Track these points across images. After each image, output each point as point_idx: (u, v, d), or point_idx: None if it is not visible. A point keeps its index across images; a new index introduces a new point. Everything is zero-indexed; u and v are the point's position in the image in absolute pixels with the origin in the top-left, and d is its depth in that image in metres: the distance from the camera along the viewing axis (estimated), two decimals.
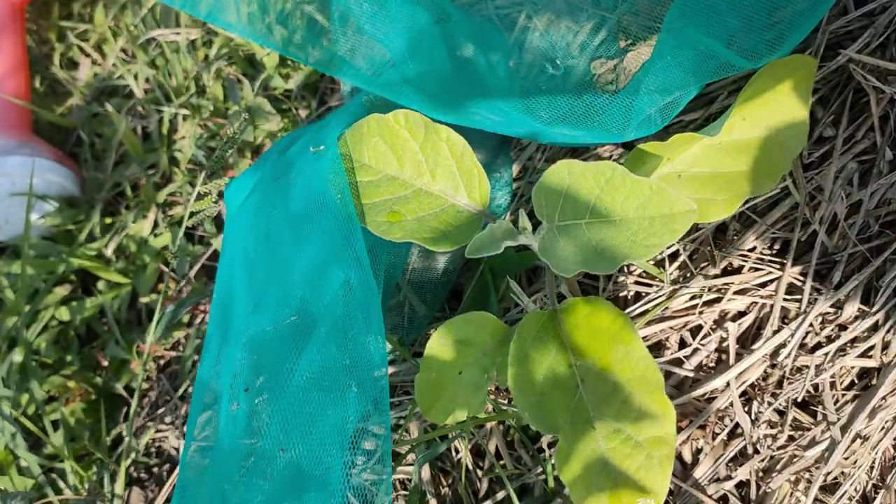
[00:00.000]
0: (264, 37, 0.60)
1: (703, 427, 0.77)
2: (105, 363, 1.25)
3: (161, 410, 1.19)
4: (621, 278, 0.82)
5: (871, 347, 0.71)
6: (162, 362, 1.25)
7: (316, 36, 0.63)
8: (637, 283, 0.81)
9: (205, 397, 0.78)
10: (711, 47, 0.61)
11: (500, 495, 0.82)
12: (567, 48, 0.81)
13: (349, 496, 0.69)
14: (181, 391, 1.17)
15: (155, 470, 1.17)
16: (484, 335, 0.72)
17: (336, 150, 0.70)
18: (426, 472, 0.86)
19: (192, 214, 0.93)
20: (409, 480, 0.87)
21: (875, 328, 0.71)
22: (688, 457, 0.77)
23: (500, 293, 0.89)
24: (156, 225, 1.31)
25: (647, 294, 0.80)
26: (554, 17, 0.82)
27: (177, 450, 1.16)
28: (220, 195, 1.09)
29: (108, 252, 1.29)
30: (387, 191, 0.69)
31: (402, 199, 0.69)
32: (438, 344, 0.72)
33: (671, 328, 0.78)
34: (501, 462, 0.84)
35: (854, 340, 0.72)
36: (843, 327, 0.73)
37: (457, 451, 0.87)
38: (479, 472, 0.85)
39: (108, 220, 1.32)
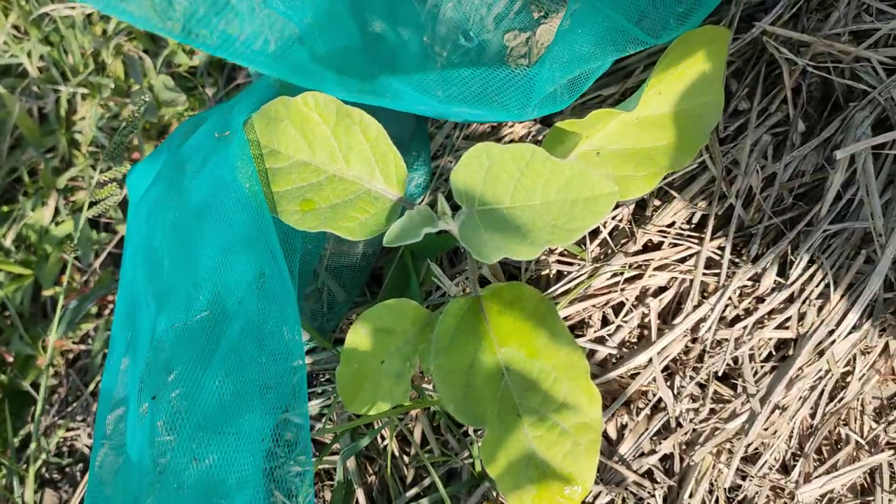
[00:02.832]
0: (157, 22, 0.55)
1: (627, 404, 0.77)
2: (10, 359, 1.18)
3: (71, 408, 1.14)
4: (543, 258, 0.81)
5: (788, 319, 0.72)
6: (71, 356, 1.19)
7: (213, 15, 0.59)
8: (559, 262, 0.80)
9: (112, 400, 0.74)
10: (619, 23, 0.59)
11: (428, 481, 0.80)
12: (481, 21, 0.78)
13: (274, 491, 0.67)
14: (92, 387, 1.12)
15: (68, 470, 1.11)
16: (405, 323, 0.70)
17: (242, 135, 0.67)
18: (351, 461, 0.84)
19: (93, 204, 0.88)
20: (335, 470, 0.85)
21: (791, 300, 0.73)
22: (613, 433, 0.78)
23: (422, 276, 0.87)
24: (57, 212, 1.24)
25: (569, 273, 0.79)
26: None
27: (89, 448, 1.11)
28: (124, 181, 1.03)
29: (7, 242, 1.22)
30: (298, 178, 0.66)
31: (314, 186, 0.66)
32: (358, 334, 0.70)
33: (594, 306, 0.78)
34: (428, 448, 0.82)
35: (771, 312, 0.73)
36: (760, 300, 0.74)
37: (382, 439, 0.85)
38: (406, 459, 0.84)
39: (5, 209, 1.24)
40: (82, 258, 1.17)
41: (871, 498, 0.70)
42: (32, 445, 1.04)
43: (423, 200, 0.91)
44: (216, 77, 1.22)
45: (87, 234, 1.18)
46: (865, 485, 0.71)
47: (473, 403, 0.59)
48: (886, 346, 0.70)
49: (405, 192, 0.66)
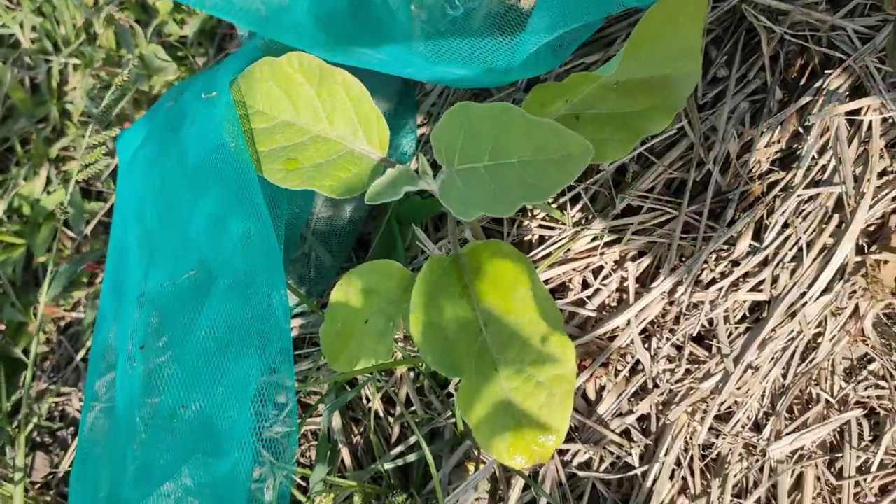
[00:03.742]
0: None
1: (605, 365, 0.79)
2: (2, 327, 1.20)
3: (63, 374, 1.16)
4: (525, 222, 0.82)
5: (762, 282, 0.74)
6: (62, 324, 1.20)
7: None
8: (541, 226, 0.82)
9: (103, 359, 0.75)
10: None
11: (412, 440, 0.82)
12: None
13: (260, 449, 0.68)
14: (83, 353, 1.14)
15: (59, 434, 1.13)
16: (389, 283, 0.72)
17: (229, 96, 0.68)
18: (337, 421, 0.86)
19: (83, 167, 0.89)
20: (321, 430, 0.87)
21: (765, 263, 0.74)
22: (592, 394, 0.79)
23: (407, 241, 0.89)
24: (49, 182, 1.25)
25: (551, 237, 0.80)
26: None
27: (80, 412, 1.13)
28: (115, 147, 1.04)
29: None
30: (283, 137, 0.67)
31: (298, 145, 0.67)
32: (343, 293, 0.71)
33: (574, 270, 0.80)
34: (412, 409, 0.84)
35: (746, 275, 0.75)
36: (735, 263, 0.75)
37: (367, 400, 0.87)
38: (391, 419, 0.86)
39: None
40: (73, 226, 1.19)
41: (840, 454, 0.72)
42: (24, 408, 1.05)
43: (410, 165, 0.92)
44: (206, 46, 1.22)
45: (78, 203, 1.19)
46: (835, 442, 0.73)
47: (452, 356, 0.61)
48: (856, 308, 0.72)
49: (387, 153, 0.67)
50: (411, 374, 0.85)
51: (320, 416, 0.88)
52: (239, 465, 0.68)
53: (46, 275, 1.22)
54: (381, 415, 0.86)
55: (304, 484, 0.87)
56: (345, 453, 0.85)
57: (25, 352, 1.17)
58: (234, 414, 0.68)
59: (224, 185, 0.66)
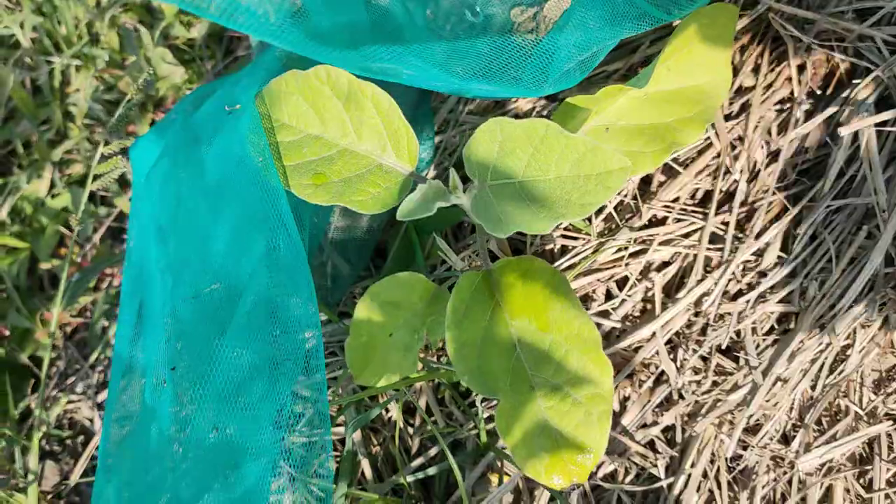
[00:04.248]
0: None
1: (630, 376, 0.78)
2: (6, 333, 1.18)
3: (71, 380, 1.14)
4: (548, 233, 0.81)
5: (791, 293, 0.74)
6: (69, 329, 1.19)
7: None
8: (564, 236, 0.81)
9: (123, 371, 0.74)
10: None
11: (433, 451, 0.82)
12: None
13: (282, 464, 0.68)
14: (92, 359, 1.12)
15: (69, 442, 1.12)
16: (413, 296, 0.71)
17: (254, 109, 0.67)
18: (357, 433, 0.85)
19: (96, 177, 0.88)
20: (340, 442, 0.86)
21: (793, 274, 0.74)
22: (616, 405, 0.79)
23: (426, 250, 0.88)
24: (52, 185, 1.23)
25: (574, 248, 0.80)
26: None
27: (90, 420, 1.11)
28: (124, 153, 1.03)
29: (2, 215, 1.21)
30: (310, 151, 0.66)
31: (326, 159, 0.66)
32: (367, 307, 0.70)
33: (598, 280, 0.79)
34: (433, 419, 0.83)
35: (774, 287, 0.74)
36: (763, 274, 0.75)
37: (387, 410, 0.86)
38: (411, 430, 0.85)
39: (0, 181, 1.24)
40: (80, 231, 1.17)
41: (870, 467, 0.71)
42: (34, 416, 1.04)
43: (427, 175, 0.91)
44: (214, 49, 1.21)
45: (85, 208, 1.17)
46: (864, 454, 0.72)
47: (487, 375, 0.60)
48: (886, 319, 0.71)
49: (416, 167, 0.66)
50: (431, 384, 0.84)
51: (339, 426, 0.87)
52: (264, 479, 0.67)
53: (51, 280, 1.21)
54: (402, 426, 0.85)
55: (324, 495, 0.86)
56: (365, 465, 0.84)
57: (32, 358, 1.15)
58: (263, 429, 0.67)
59: (249, 199, 0.65)
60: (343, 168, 0.66)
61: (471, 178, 0.63)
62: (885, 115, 0.71)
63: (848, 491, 0.71)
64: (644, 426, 0.77)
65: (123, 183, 1.19)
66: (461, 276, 0.63)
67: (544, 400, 0.59)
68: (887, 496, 0.70)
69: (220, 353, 0.66)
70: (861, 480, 0.72)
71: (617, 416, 0.78)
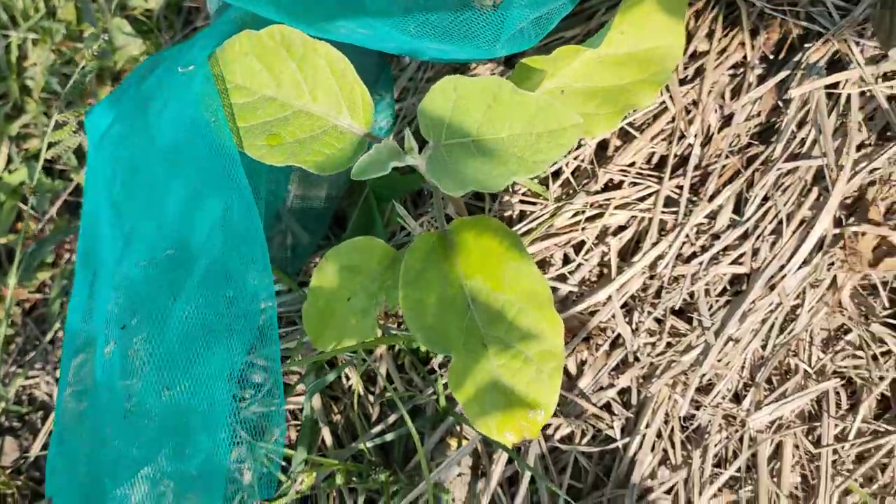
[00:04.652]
0: None
1: (587, 339, 0.79)
2: None
3: (30, 356, 1.13)
4: (506, 198, 0.82)
5: (742, 255, 0.75)
6: (27, 306, 1.17)
7: None
8: (522, 201, 0.81)
9: (78, 338, 0.73)
10: None
11: (393, 417, 0.82)
12: None
13: (238, 430, 0.68)
14: (50, 335, 1.11)
15: (28, 418, 1.11)
16: (371, 261, 0.71)
17: (207, 69, 0.66)
18: (316, 400, 0.85)
19: (50, 145, 0.86)
20: (300, 410, 0.86)
21: (745, 236, 0.75)
22: (573, 369, 0.80)
23: (386, 218, 0.88)
24: (10, 160, 1.21)
25: (532, 212, 0.80)
26: None
27: (49, 396, 1.10)
28: (81, 125, 1.01)
29: None
30: (264, 113, 0.66)
31: (281, 120, 0.66)
32: (325, 272, 0.70)
33: (555, 245, 0.80)
34: (393, 386, 0.84)
35: (726, 249, 0.76)
36: (716, 236, 0.76)
37: (347, 378, 0.86)
38: (371, 397, 0.85)
39: None
40: (37, 205, 1.15)
41: (818, 423, 0.73)
42: None
43: (388, 140, 0.91)
44: (173, 20, 1.19)
45: (42, 181, 1.15)
46: (813, 411, 0.74)
47: (440, 333, 0.60)
48: (834, 279, 0.73)
49: (371, 129, 0.66)
50: (391, 351, 0.84)
51: (299, 395, 0.87)
52: (219, 446, 0.67)
53: (9, 255, 1.19)
54: (362, 393, 0.85)
55: (285, 464, 0.86)
56: (325, 432, 0.84)
57: None
58: (215, 395, 0.67)
59: (203, 161, 0.65)
60: (298, 129, 0.65)
61: (426, 137, 0.63)
62: (835, 77, 0.72)
63: (797, 447, 0.73)
64: (600, 389, 0.78)
65: (81, 157, 1.17)
66: (416, 237, 0.64)
67: (497, 357, 0.60)
68: (835, 451, 0.72)
69: (173, 318, 0.65)
70: (810, 437, 0.73)
71: (574, 380, 0.79)
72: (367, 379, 0.86)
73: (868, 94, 0.73)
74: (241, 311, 0.66)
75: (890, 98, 0.73)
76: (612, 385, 0.78)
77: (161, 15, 1.19)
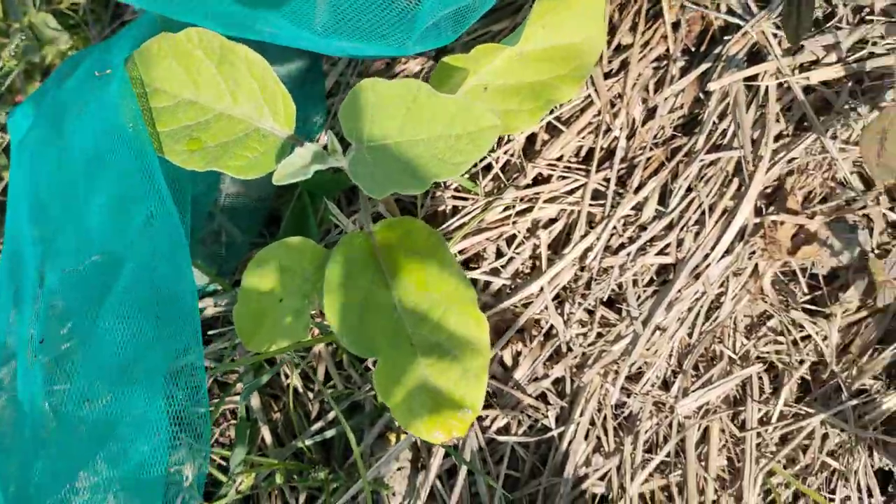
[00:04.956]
0: None
1: (521, 331, 0.80)
2: None
3: None
4: (438, 193, 0.82)
5: (668, 245, 0.76)
6: None
7: None
8: (454, 197, 0.82)
9: (3, 348, 0.72)
10: None
11: (332, 415, 0.82)
12: None
13: (173, 433, 0.67)
14: None
15: None
16: (303, 261, 0.71)
17: (124, 73, 0.65)
18: (255, 399, 0.85)
19: None
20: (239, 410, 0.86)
21: (670, 227, 0.76)
22: (508, 360, 0.81)
23: (320, 215, 0.87)
24: None
25: (464, 207, 0.81)
26: None
27: None
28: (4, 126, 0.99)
29: None
30: (185, 116, 0.65)
31: (202, 124, 0.65)
32: (256, 273, 0.70)
33: (488, 239, 0.80)
34: (331, 383, 0.84)
35: (653, 240, 0.77)
36: (643, 228, 0.77)
37: (286, 376, 0.86)
38: (310, 395, 0.85)
39: None
40: None
41: (743, 408, 0.75)
42: None
43: (320, 139, 0.90)
44: (100, 13, 1.17)
45: None
46: (738, 396, 0.76)
47: (367, 336, 0.61)
48: (756, 267, 0.75)
49: (295, 130, 0.66)
50: (330, 348, 0.84)
51: (238, 394, 0.87)
52: (155, 451, 0.66)
53: None
54: (301, 390, 0.85)
55: (224, 464, 0.86)
56: (265, 431, 0.84)
57: None
58: (147, 399, 0.66)
59: (123, 167, 0.64)
60: (219, 133, 0.65)
61: (348, 139, 0.63)
62: (753, 70, 0.74)
63: (723, 431, 0.75)
64: (535, 379, 0.80)
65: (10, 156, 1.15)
66: (341, 240, 0.64)
67: (424, 357, 0.60)
68: (759, 434, 0.74)
69: (98, 326, 0.65)
70: (735, 421, 0.76)
71: (510, 371, 0.80)
72: (305, 376, 0.86)
73: (785, 85, 0.74)
74: (168, 313, 0.66)
75: (806, 89, 0.75)
76: (546, 375, 0.79)
77: (88, 8, 1.16)
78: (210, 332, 0.89)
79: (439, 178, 0.58)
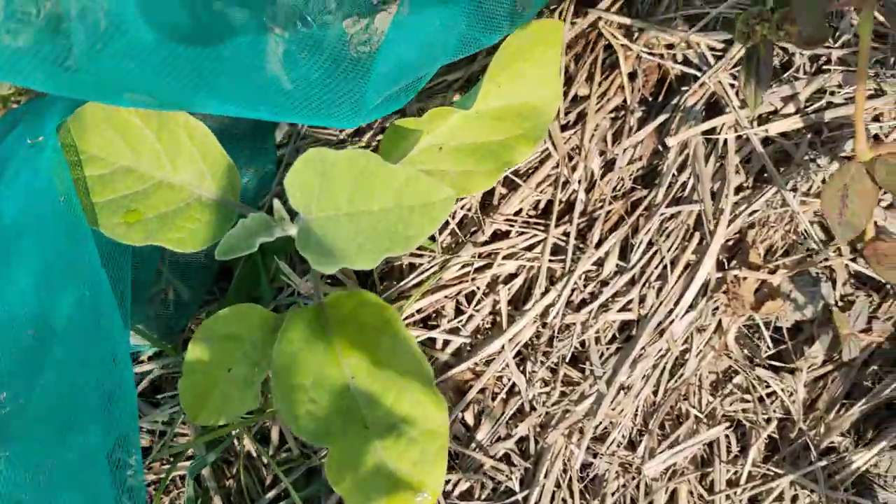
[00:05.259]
0: None
1: (483, 391, 0.78)
2: None
3: None
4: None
5: (630, 301, 0.74)
6: None
7: None
8: (411, 254, 0.79)
9: None
10: (452, 22, 0.58)
11: (289, 480, 0.79)
12: (321, 4, 0.75)
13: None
14: None
15: None
16: (252, 328, 0.68)
17: (56, 141, 0.61)
18: (207, 466, 0.81)
19: None
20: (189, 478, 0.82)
21: (632, 282, 0.75)
22: (470, 420, 0.78)
23: (272, 272, 0.84)
24: None
25: (421, 265, 0.78)
26: None
27: None
28: None
29: None
30: (122, 185, 0.62)
31: (140, 194, 0.61)
32: (202, 344, 0.67)
33: (446, 297, 0.78)
34: (286, 447, 0.81)
35: (615, 296, 0.75)
36: (604, 283, 0.75)
37: (240, 440, 0.83)
38: (265, 459, 0.82)
39: None
40: None
41: (711, 468, 0.74)
42: None
43: (272, 192, 0.87)
44: None
45: None
46: (705, 456, 0.75)
47: (317, 419, 0.57)
48: (720, 323, 0.73)
49: (247, 188, 0.63)
50: None
51: (190, 458, 0.83)
52: None
53: None
54: (255, 455, 0.82)
55: None
56: (216, 501, 0.81)
57: None
58: (92, 472, 0.63)
59: (55, 241, 0.60)
60: (159, 202, 0.61)
61: (295, 209, 0.60)
62: (711, 123, 0.72)
63: (692, 493, 0.73)
64: (498, 439, 0.77)
65: None
66: (289, 313, 0.61)
67: (380, 440, 0.57)
68: (728, 497, 0.72)
69: (32, 402, 0.61)
70: (703, 483, 0.74)
71: (472, 431, 0.78)
72: (260, 439, 0.83)
73: (744, 136, 0.73)
74: (107, 390, 0.63)
75: (765, 141, 0.74)
76: (509, 435, 0.77)
77: None
78: (158, 396, 0.86)
79: (391, 253, 0.56)
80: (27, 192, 0.63)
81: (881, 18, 0.72)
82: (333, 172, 0.57)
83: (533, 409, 0.77)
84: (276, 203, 0.61)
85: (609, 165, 0.77)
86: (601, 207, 0.76)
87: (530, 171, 0.78)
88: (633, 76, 0.77)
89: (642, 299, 0.74)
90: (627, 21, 0.75)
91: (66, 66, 0.51)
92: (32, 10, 0.53)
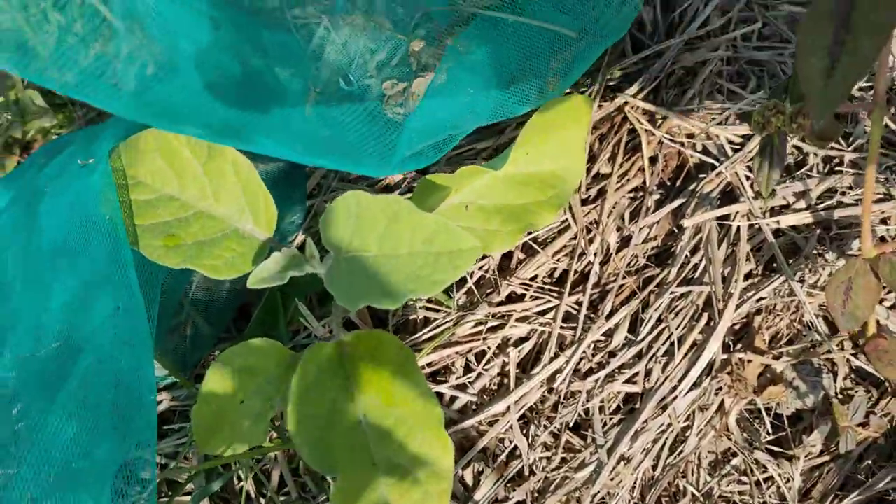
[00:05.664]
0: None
1: (484, 450, 0.79)
2: None
3: None
4: (411, 303, 0.82)
5: (636, 374, 0.76)
6: None
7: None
8: (426, 308, 0.82)
9: None
10: (486, 92, 0.62)
11: None
12: (364, 66, 0.80)
13: None
14: None
15: None
16: (268, 363, 0.70)
17: (107, 165, 0.65)
18: (205, 502, 0.82)
19: None
20: None
21: (640, 356, 0.77)
22: (469, 479, 0.79)
23: (290, 314, 0.87)
24: None
25: (436, 320, 0.80)
26: (352, 33, 0.81)
27: None
28: None
29: None
30: (165, 212, 0.65)
31: (182, 221, 0.65)
32: (219, 374, 0.68)
33: (457, 353, 0.80)
34: (286, 490, 0.81)
35: (621, 367, 0.77)
36: (612, 354, 0.78)
37: (240, 479, 0.83)
38: (263, 501, 0.82)
39: None
40: None
41: None
42: None
43: (296, 238, 0.90)
44: None
45: None
46: None
47: (328, 450, 0.59)
48: (722, 403, 0.75)
49: (274, 233, 0.66)
50: (287, 452, 0.82)
51: (188, 493, 0.83)
52: None
53: None
54: (253, 496, 0.82)
55: None
56: None
57: None
58: (97, 494, 0.64)
59: (96, 258, 0.63)
60: (199, 231, 0.65)
61: (327, 248, 0.63)
62: (725, 210, 0.76)
63: None
64: (496, 501, 0.78)
65: None
66: (310, 347, 0.63)
67: (385, 477, 0.59)
68: None
69: (52, 414, 0.62)
70: None
71: (470, 491, 0.79)
72: (259, 480, 0.84)
73: (756, 226, 0.76)
74: (126, 409, 0.64)
75: (776, 232, 0.77)
76: (507, 498, 0.78)
77: None
78: (165, 427, 0.87)
79: (415, 296, 0.58)
80: (73, 208, 0.66)
81: (894, 126, 0.76)
82: (367, 215, 0.60)
83: (533, 473, 0.78)
84: (309, 240, 0.64)
85: (625, 242, 0.80)
86: (614, 281, 0.79)
87: (549, 240, 0.81)
88: (653, 160, 0.81)
89: (648, 373, 0.76)
90: (652, 108, 0.79)
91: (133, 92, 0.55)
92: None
